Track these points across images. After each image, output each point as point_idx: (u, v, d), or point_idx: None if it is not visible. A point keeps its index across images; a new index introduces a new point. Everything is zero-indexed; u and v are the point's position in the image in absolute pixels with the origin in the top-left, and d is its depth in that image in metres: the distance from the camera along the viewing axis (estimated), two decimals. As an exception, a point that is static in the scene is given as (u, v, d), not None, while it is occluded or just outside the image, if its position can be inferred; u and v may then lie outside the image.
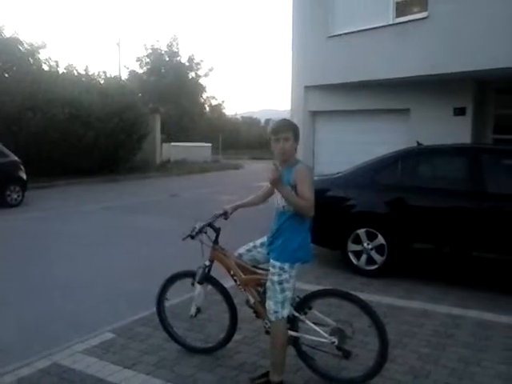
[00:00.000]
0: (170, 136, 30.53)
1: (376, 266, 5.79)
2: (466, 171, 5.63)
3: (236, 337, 3.69)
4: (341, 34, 11.34)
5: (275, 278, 3.01)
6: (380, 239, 5.74)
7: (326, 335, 3.13)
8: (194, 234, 3.37)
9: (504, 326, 4.30)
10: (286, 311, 3.06)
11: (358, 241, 5.91)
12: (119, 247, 7.66)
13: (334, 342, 3.12)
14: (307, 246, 3.09)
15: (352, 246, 5.95)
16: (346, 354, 3.14)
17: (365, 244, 5.84)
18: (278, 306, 3.03)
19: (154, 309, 3.84)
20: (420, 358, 3.65)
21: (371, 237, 5.81)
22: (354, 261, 5.93)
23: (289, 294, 3.05)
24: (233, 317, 3.55)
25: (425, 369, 3.47)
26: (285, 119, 3.19)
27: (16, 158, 12.41)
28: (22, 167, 12.45)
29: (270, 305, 3.07)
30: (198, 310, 3.60)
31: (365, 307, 3.09)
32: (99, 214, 10.99)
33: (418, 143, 6.61)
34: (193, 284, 3.55)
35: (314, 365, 3.31)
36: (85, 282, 5.80)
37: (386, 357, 3.06)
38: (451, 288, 5.39)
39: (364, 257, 5.86)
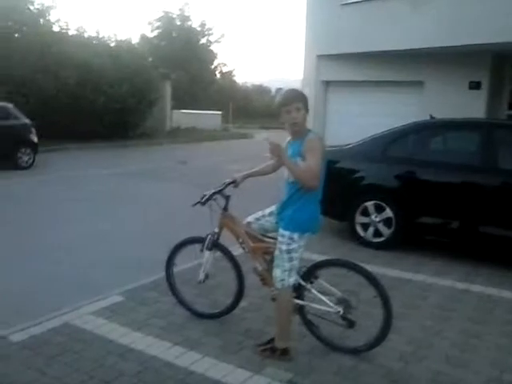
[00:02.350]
0: (180, 103, 30.31)
1: (383, 239, 5.82)
2: (478, 146, 5.57)
3: (243, 304, 3.77)
4: (355, 2, 11.11)
5: (284, 247, 3.05)
6: (388, 212, 5.74)
7: (331, 304, 3.19)
8: (203, 200, 3.41)
9: (506, 301, 4.34)
10: (292, 279, 3.11)
11: (365, 213, 5.92)
12: (127, 212, 7.74)
13: (338, 312, 3.18)
14: (317, 217, 3.13)
15: (360, 218, 5.97)
16: (351, 324, 3.20)
17: (372, 216, 5.86)
18: (284, 275, 3.08)
19: (162, 274, 3.91)
20: (423, 329, 3.71)
21: (379, 209, 5.82)
22: (361, 233, 5.96)
23: (296, 263, 3.10)
24: (240, 283, 3.61)
25: (427, 340, 3.53)
26: (293, 89, 3.14)
27: (27, 121, 12.44)
28: (33, 130, 12.50)
29: (276, 273, 3.12)
30: (206, 276, 3.66)
31: (370, 278, 3.14)
32: (109, 178, 11.05)
33: (431, 116, 6.54)
34: (201, 250, 3.59)
35: (319, 333, 3.38)
36: (93, 245, 5.90)
37: (389, 328, 3.12)
38: (456, 262, 5.42)
39: (371, 229, 5.89)
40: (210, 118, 30.65)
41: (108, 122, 18.99)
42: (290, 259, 3.06)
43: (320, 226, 3.18)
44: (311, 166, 2.86)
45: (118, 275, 4.81)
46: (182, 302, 3.88)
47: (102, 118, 18.65)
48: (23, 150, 12.07)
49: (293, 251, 3.04)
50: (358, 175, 6.05)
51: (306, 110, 3.02)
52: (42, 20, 19.02)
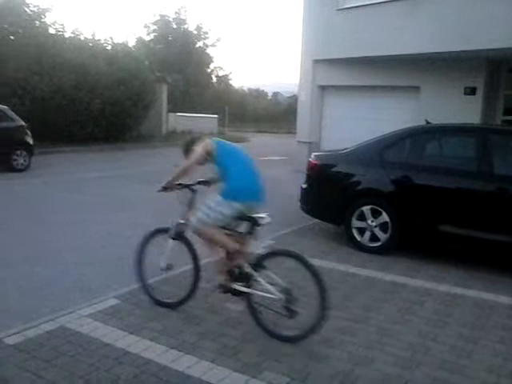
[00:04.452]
0: (175, 106, 30.30)
1: (379, 243, 5.83)
2: (474, 152, 5.61)
3: (239, 307, 3.79)
4: (351, 8, 11.16)
5: (209, 201, 3.61)
6: (384, 217, 5.75)
7: (275, 294, 3.40)
8: (165, 186, 3.86)
9: (503, 307, 4.35)
10: (201, 222, 3.59)
11: (362, 217, 5.93)
12: (123, 215, 7.71)
13: (281, 301, 3.39)
14: (245, 189, 3.61)
15: (356, 223, 5.97)
16: (292, 314, 3.38)
17: (369, 221, 5.87)
18: (200, 215, 3.60)
19: (159, 277, 3.90)
20: (419, 334, 3.71)
21: (375, 214, 5.83)
22: (358, 237, 5.97)
23: (210, 220, 3.57)
24: (196, 276, 3.86)
25: (424, 345, 3.53)
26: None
27: (23, 123, 12.38)
28: (28, 132, 12.44)
29: (196, 214, 3.65)
30: (169, 266, 3.96)
31: (310, 268, 3.33)
32: (105, 181, 11.01)
33: (427, 122, 6.57)
34: (167, 239, 3.89)
35: (262, 320, 3.56)
36: (88, 248, 5.87)
37: (324, 318, 3.31)
38: (453, 267, 5.43)
39: (368, 233, 5.89)
40: (206, 121, 30.62)
41: (104, 125, 18.94)
42: (209, 209, 3.57)
43: (256, 197, 3.63)
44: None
45: (114, 277, 4.79)
46: (145, 288, 4.08)
47: (98, 121, 18.60)
48: (19, 152, 12.01)
49: (213, 207, 3.57)
50: (354, 179, 6.06)
51: (186, 153, 3.85)
52: (37, 22, 18.97)
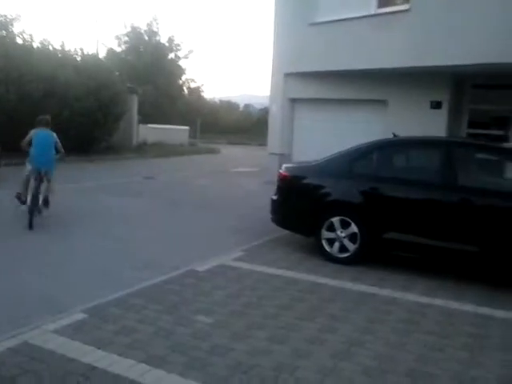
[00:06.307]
0: (146, 117, 30.08)
1: (348, 254, 5.90)
2: (439, 164, 5.77)
3: (208, 320, 3.76)
4: (322, 22, 11.35)
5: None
6: (353, 227, 5.83)
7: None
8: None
9: (468, 315, 4.46)
10: (27, 171, 7.56)
11: (331, 228, 5.99)
12: (92, 228, 7.59)
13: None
14: (35, 158, 7.45)
15: (326, 234, 6.03)
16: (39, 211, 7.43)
17: (338, 232, 5.93)
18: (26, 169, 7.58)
19: (128, 290, 3.85)
20: (387, 343, 3.76)
21: (344, 225, 5.90)
22: (327, 248, 6.02)
23: (27, 169, 7.62)
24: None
25: (391, 354, 3.58)
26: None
27: (-12, 134, 12.08)
28: (-6, 144, 12.14)
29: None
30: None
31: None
32: (75, 193, 10.82)
33: (394, 135, 6.72)
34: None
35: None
36: (55, 261, 5.75)
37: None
38: (420, 277, 5.53)
39: (337, 244, 5.95)
40: (177, 132, 30.49)
41: (73, 136, 18.62)
42: (27, 166, 7.58)
43: (40, 164, 7.42)
44: None
45: (81, 291, 4.70)
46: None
47: (67, 132, 18.27)
48: (-17, 163, 11.70)
49: (27, 166, 7.63)
50: (324, 191, 6.13)
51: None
52: (4, 32, 18.64)
